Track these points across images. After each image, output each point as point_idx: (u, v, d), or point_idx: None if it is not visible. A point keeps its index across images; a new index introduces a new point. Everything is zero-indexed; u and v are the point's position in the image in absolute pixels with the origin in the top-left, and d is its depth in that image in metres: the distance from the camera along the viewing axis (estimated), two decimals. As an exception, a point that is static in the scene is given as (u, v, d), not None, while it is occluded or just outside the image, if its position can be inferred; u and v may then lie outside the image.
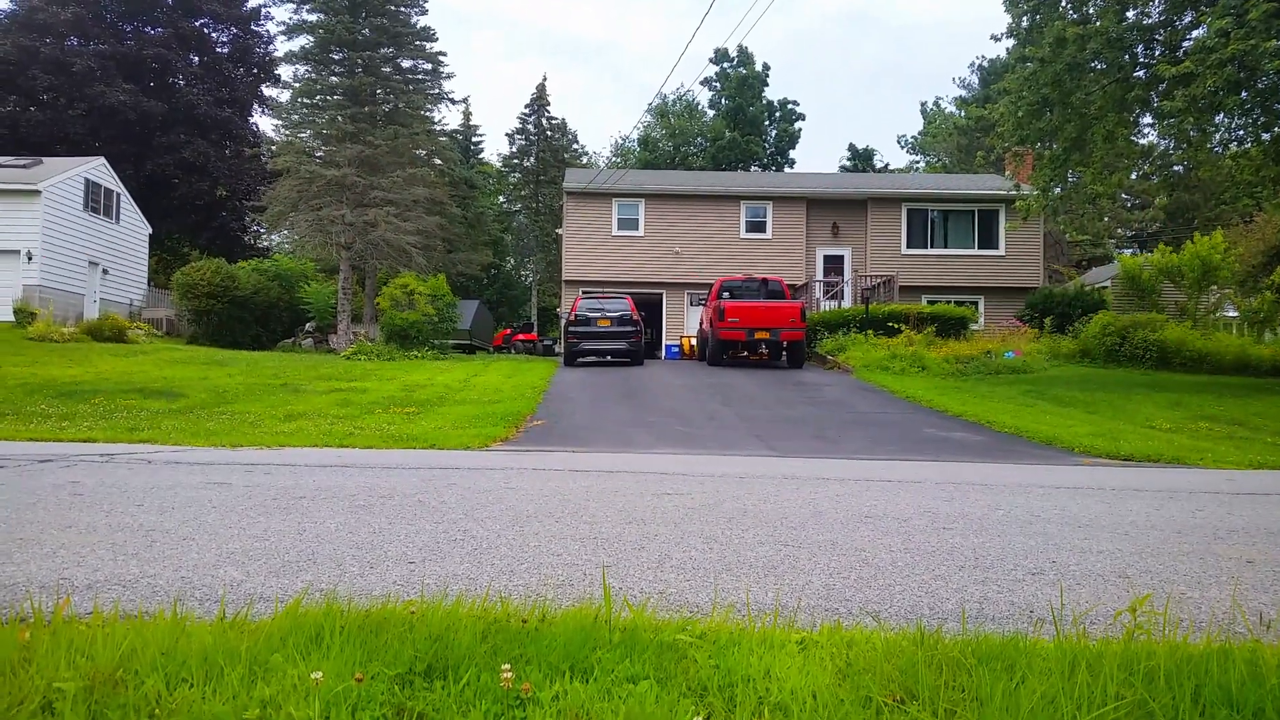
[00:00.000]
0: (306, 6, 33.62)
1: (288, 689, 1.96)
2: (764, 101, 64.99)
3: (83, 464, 6.72)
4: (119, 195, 33.37)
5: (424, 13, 35.24)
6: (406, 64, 35.29)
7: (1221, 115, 16.90)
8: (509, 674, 2.04)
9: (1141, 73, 17.65)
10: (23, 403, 13.16)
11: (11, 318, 26.69)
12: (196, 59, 45.72)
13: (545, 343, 41.42)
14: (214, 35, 46.82)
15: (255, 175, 42.76)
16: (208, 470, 6.53)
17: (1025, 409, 14.49)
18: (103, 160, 32.77)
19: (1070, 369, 21.62)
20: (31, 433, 9.77)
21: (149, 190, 40.08)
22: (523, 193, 58.24)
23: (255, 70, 47.95)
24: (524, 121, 57.71)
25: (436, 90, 36.68)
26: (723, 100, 64.80)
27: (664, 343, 32.37)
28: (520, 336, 42.23)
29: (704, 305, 26.87)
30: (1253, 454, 10.40)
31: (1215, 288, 28.26)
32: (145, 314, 33.60)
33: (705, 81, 65.69)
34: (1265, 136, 17.27)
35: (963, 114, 59.70)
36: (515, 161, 58.51)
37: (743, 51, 64.47)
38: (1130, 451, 10.18)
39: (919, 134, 67.60)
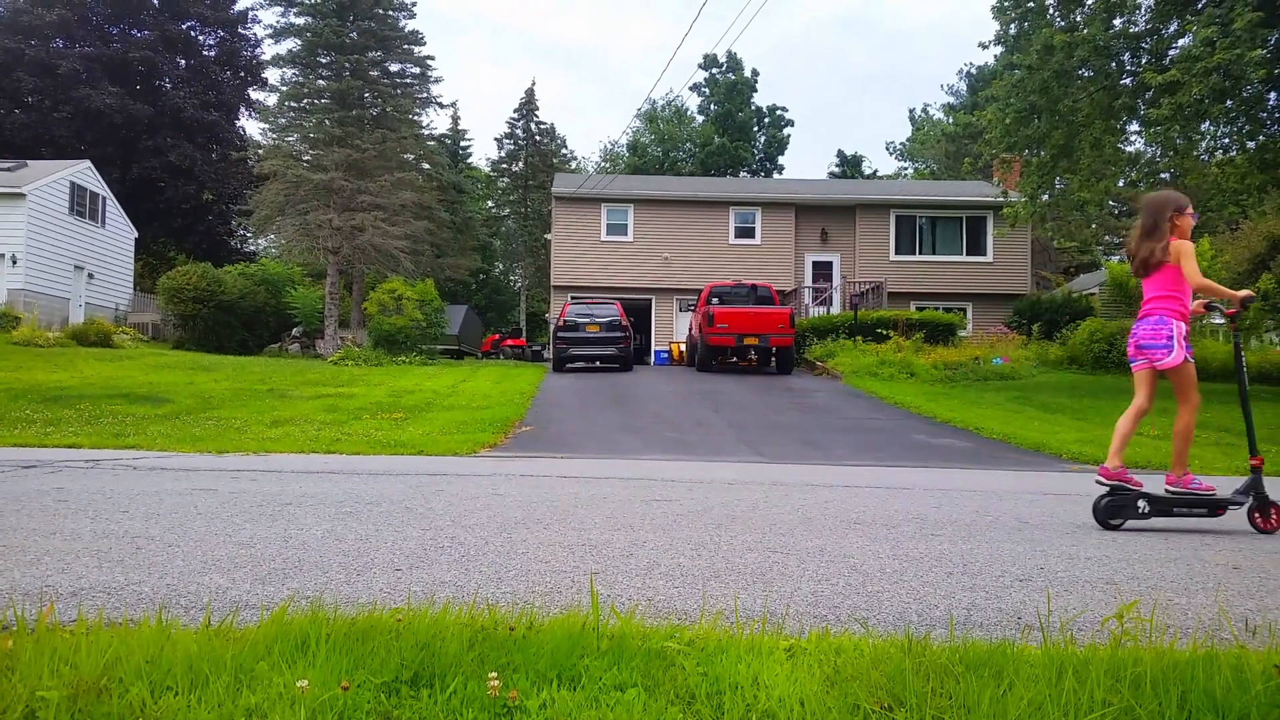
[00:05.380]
0: (294, 10, 33.54)
1: (273, 697, 1.95)
2: (753, 107, 65.18)
3: (67, 470, 6.68)
4: (104, 199, 33.19)
5: (412, 16, 35.23)
6: (394, 68, 35.25)
7: (1207, 123, 17.03)
8: (496, 682, 2.03)
9: (1128, 80, 17.77)
10: (7, 408, 13.07)
11: (-4, 322, 26.50)
12: (183, 62, 45.55)
13: (534, 348, 41.39)
14: (201, 38, 46.66)
15: (242, 179, 42.58)
16: (193, 476, 6.49)
17: (1013, 415, 14.55)
18: (88, 163, 32.59)
19: (1058, 375, 21.73)
20: (16, 438, 9.70)
21: (135, 194, 39.89)
22: (511, 197, 58.17)
23: (242, 74, 47.80)
24: (513, 126, 57.64)
25: (424, 94, 36.66)
26: (712, 106, 64.94)
27: (653, 348, 32.38)
28: (509, 342, 42.21)
29: (693, 311, 26.91)
30: (1239, 460, 10.45)
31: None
32: (131, 318, 33.42)
33: (694, 87, 65.84)
34: (1250, 145, 17.39)
35: (951, 121, 60.00)
36: (504, 166, 58.44)
37: (732, 57, 64.68)
38: (1117, 457, 10.21)
39: (907, 140, 67.87)
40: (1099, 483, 5.17)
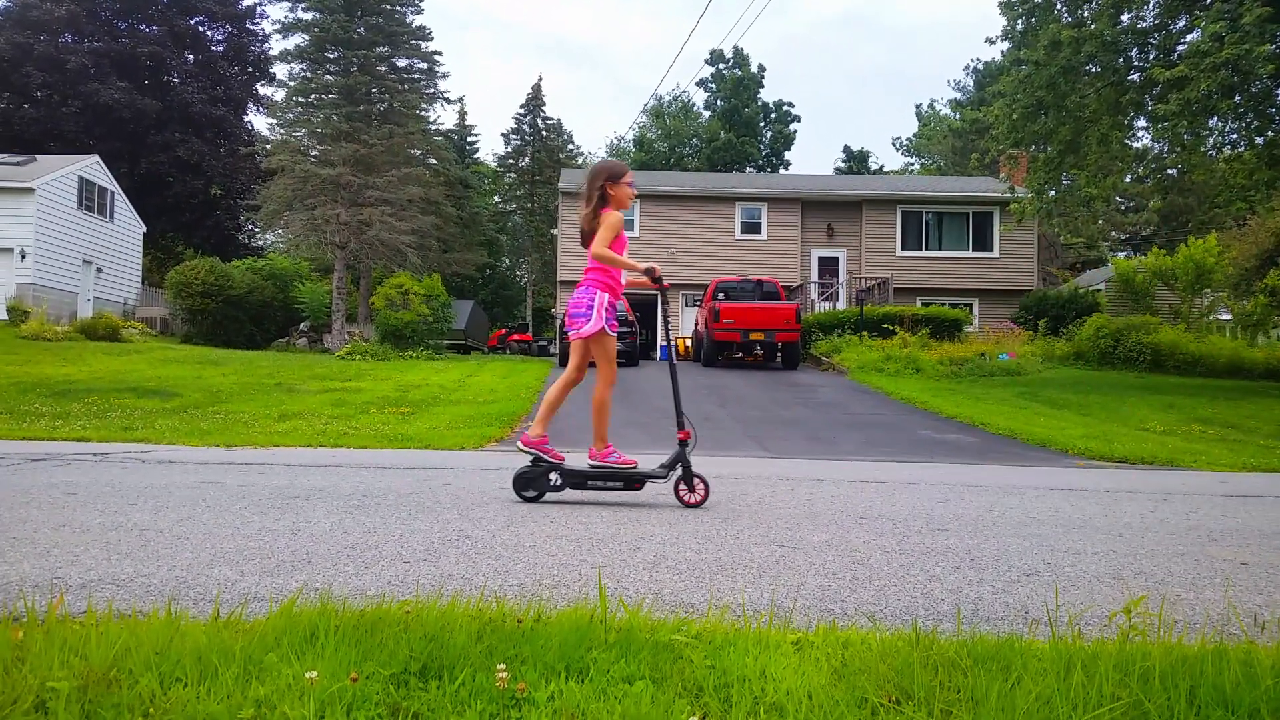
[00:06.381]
0: (302, 5, 33.59)
1: (282, 689, 1.95)
2: (759, 103, 65.07)
3: (76, 463, 6.70)
4: (113, 193, 33.27)
5: (419, 12, 35.25)
6: (402, 63, 35.29)
7: (1215, 119, 16.96)
8: (504, 674, 2.03)
9: (1136, 76, 17.69)
10: (16, 401, 13.11)
11: (4, 316, 26.61)
12: (191, 57, 45.62)
13: (540, 343, 41.41)
14: (209, 33, 46.74)
15: (250, 174, 42.68)
16: (202, 469, 6.51)
17: (1019, 411, 14.52)
18: (97, 158, 32.67)
19: (1064, 371, 21.67)
20: (25, 432, 9.74)
21: (143, 188, 39.98)
22: (518, 193, 58.18)
23: (250, 69, 47.86)
24: (519, 121, 57.65)
25: (432, 90, 36.70)
26: (718, 101, 64.86)
27: (659, 343, 32.35)
28: (515, 337, 42.21)
29: (699, 306, 26.89)
30: (1246, 456, 10.43)
31: (1209, 291, 28.34)
32: (139, 313, 33.52)
33: (701, 83, 65.82)
34: (1259, 140, 17.32)
35: (957, 116, 59.83)
36: (510, 161, 58.43)
37: (738, 53, 64.60)
38: (1124, 454, 10.20)
39: (914, 136, 67.74)
40: (520, 450, 5.21)
